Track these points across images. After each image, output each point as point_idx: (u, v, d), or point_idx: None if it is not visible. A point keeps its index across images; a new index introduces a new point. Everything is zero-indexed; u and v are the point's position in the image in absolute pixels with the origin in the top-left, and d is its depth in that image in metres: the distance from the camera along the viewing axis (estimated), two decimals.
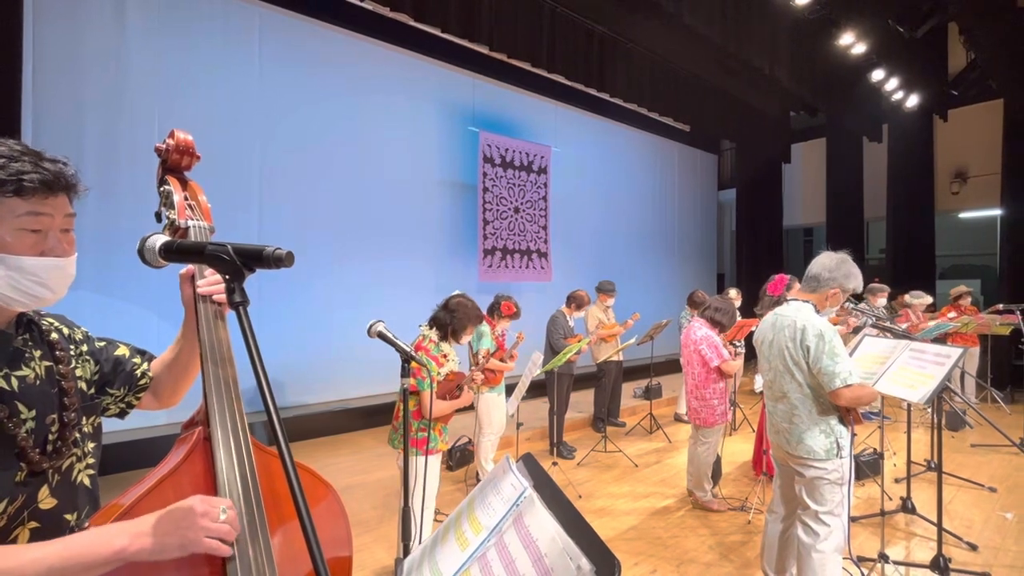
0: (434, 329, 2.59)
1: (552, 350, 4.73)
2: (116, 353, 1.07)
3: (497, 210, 7.09)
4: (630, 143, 9.25)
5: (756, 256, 10.05)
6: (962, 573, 2.78)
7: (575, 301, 4.97)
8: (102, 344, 1.07)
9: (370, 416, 5.50)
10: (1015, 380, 6.78)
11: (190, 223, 1.04)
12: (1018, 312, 5.40)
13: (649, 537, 3.26)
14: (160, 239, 0.81)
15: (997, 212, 8.27)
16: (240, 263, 0.70)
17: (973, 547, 3.10)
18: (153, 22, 4.59)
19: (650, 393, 6.12)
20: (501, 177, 7.13)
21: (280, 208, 5.30)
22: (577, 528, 0.69)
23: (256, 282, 5.09)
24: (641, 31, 6.50)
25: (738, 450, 4.95)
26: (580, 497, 3.87)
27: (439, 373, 2.48)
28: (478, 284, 6.75)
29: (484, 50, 5.91)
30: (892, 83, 7.14)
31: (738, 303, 6.39)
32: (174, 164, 1.10)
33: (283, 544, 0.90)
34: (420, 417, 2.39)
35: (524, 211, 7.40)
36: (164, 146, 1.09)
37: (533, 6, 5.72)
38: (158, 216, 1.08)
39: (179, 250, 0.77)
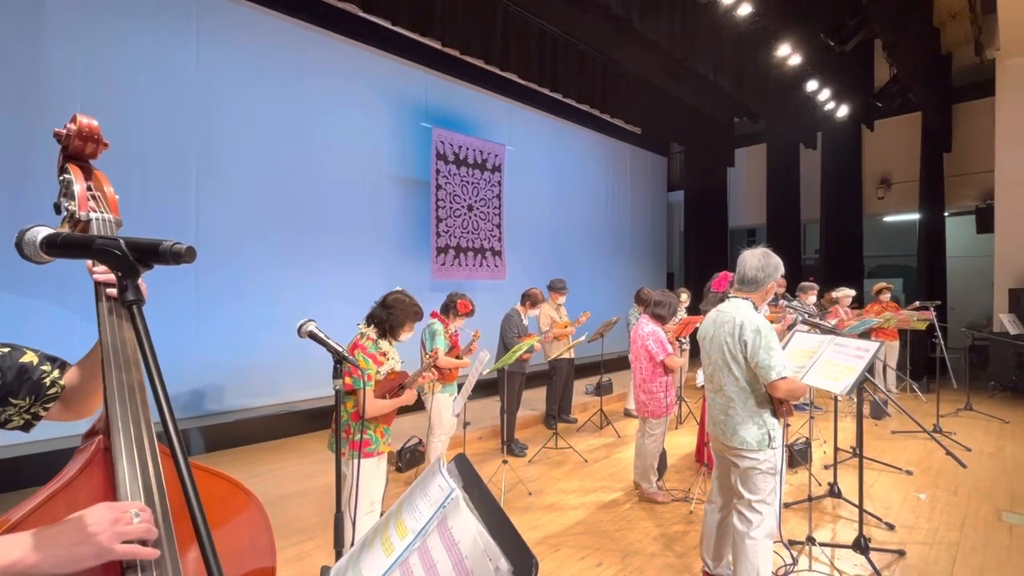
0: (372, 327, 2.52)
1: (506, 348, 4.74)
2: (22, 360, 0.98)
3: (450, 208, 7.02)
4: (583, 144, 9.39)
5: (703, 256, 10.45)
6: (880, 551, 2.99)
7: (529, 299, 4.99)
8: (5, 350, 0.98)
9: (315, 419, 5.32)
10: (930, 371, 7.35)
11: (92, 216, 0.96)
12: (932, 308, 5.86)
13: (596, 531, 3.32)
14: (43, 231, 0.74)
15: (916, 216, 8.95)
16: (134, 259, 0.65)
17: (891, 527, 3.35)
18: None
19: (601, 389, 6.24)
20: (455, 174, 7.06)
21: (219, 204, 5.04)
22: (500, 528, 0.68)
23: (193, 279, 4.83)
24: (592, 34, 6.62)
25: (683, 442, 5.13)
26: (530, 494, 3.89)
27: (378, 372, 2.42)
28: (431, 282, 6.67)
29: (436, 45, 5.84)
30: (824, 93, 7.59)
31: (687, 303, 6.64)
32: (76, 151, 1.02)
33: (197, 559, 0.85)
34: (359, 418, 2.32)
35: (478, 209, 7.37)
36: (64, 131, 1.00)
37: (486, 2, 5.70)
38: (57, 208, 0.99)
39: (64, 244, 0.70)
